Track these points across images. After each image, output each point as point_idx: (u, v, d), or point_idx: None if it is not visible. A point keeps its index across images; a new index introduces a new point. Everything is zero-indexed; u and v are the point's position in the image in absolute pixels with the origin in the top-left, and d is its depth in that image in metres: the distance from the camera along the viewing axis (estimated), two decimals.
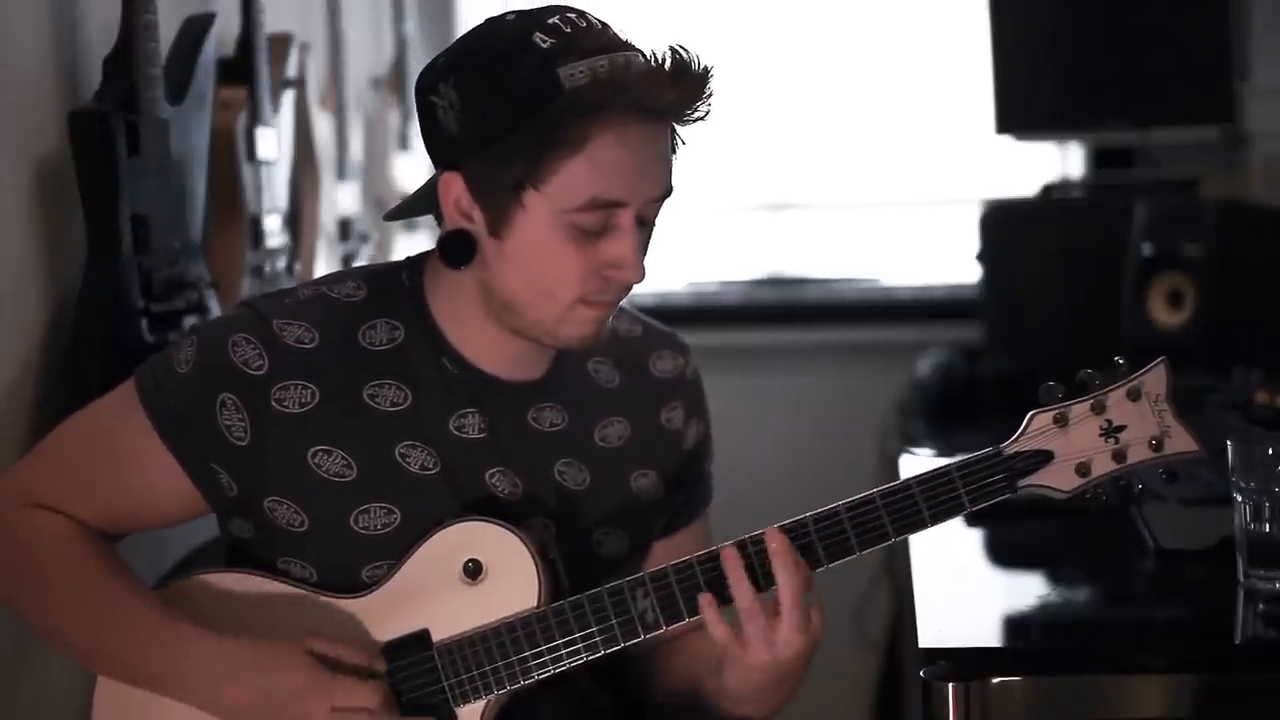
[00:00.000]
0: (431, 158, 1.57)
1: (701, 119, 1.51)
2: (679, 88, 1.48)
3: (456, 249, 1.55)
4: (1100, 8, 3.25)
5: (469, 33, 1.55)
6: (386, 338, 1.60)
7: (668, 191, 1.55)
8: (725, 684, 1.55)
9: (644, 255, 1.55)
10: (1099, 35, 3.23)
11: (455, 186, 1.54)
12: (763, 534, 1.51)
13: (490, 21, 1.54)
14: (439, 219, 1.60)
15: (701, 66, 1.49)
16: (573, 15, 1.51)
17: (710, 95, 1.50)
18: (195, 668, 1.52)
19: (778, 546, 1.50)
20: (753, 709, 1.58)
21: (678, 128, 1.54)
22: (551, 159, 1.48)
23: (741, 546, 1.52)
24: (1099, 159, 3.34)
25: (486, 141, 1.49)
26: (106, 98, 1.90)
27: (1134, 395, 1.52)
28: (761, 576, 1.51)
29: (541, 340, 1.58)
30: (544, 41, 1.48)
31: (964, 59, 3.60)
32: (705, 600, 1.50)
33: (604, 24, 1.52)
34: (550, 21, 1.49)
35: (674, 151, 1.55)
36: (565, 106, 1.46)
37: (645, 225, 1.54)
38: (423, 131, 1.57)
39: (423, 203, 1.60)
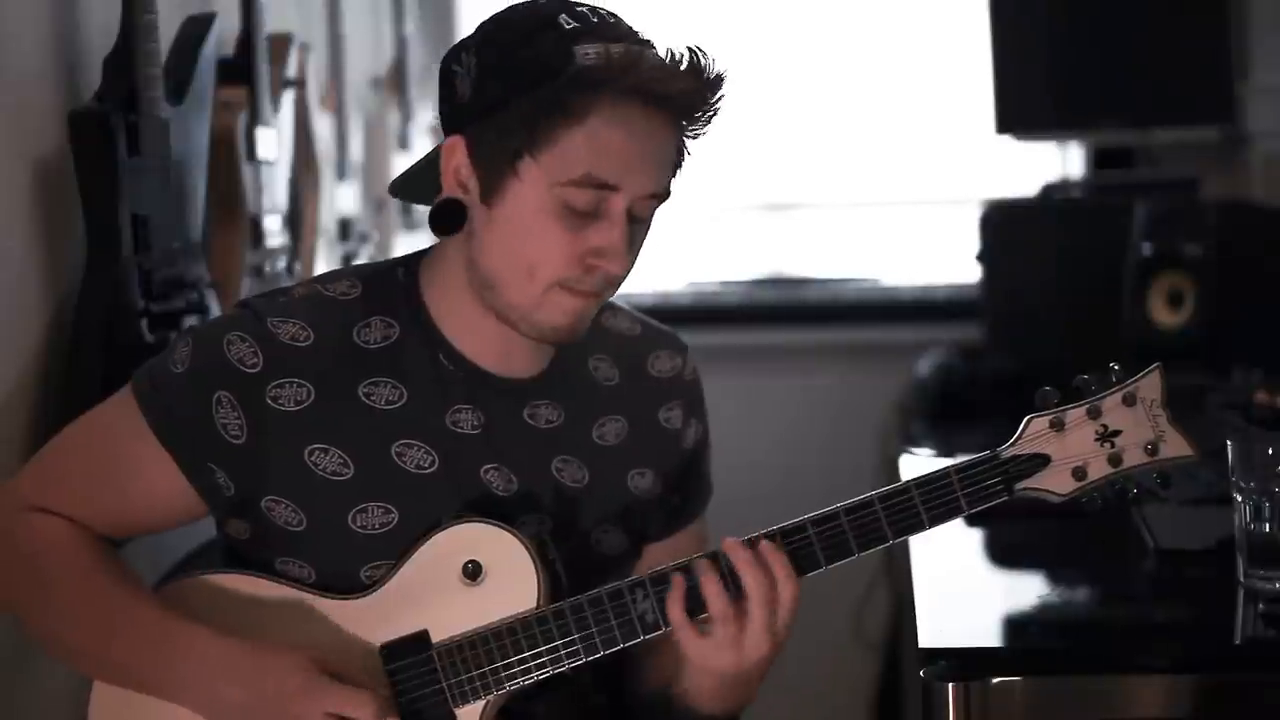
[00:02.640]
0: (444, 128, 1.59)
1: (706, 123, 1.53)
2: (687, 82, 1.50)
3: (446, 216, 1.56)
4: (1100, 8, 3.25)
5: (500, 10, 1.57)
6: (381, 335, 1.60)
7: (664, 192, 1.55)
8: (684, 684, 1.57)
9: (634, 252, 1.56)
10: (1099, 35, 3.23)
11: (458, 152, 1.55)
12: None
13: (524, 3, 1.56)
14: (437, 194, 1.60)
15: (716, 71, 1.51)
16: (604, 11, 1.54)
17: (719, 100, 1.52)
18: (195, 669, 1.52)
19: (745, 556, 1.50)
20: (717, 707, 1.58)
21: (686, 138, 1.55)
22: (550, 128, 1.49)
23: (714, 558, 1.52)
24: (1099, 159, 3.34)
25: (492, 107, 1.51)
26: (106, 98, 1.90)
27: (1129, 400, 1.53)
28: (731, 586, 1.51)
29: (519, 327, 1.57)
30: (568, 23, 1.51)
31: (964, 59, 3.60)
32: (674, 600, 1.50)
33: (631, 27, 1.55)
34: (579, 9, 1.53)
35: (680, 158, 1.56)
36: (572, 78, 1.48)
37: (638, 223, 1.55)
38: (440, 103, 1.59)
39: (426, 173, 1.61)
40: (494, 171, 1.53)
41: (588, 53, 1.48)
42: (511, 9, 1.56)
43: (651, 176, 1.53)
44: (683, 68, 1.50)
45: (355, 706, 1.48)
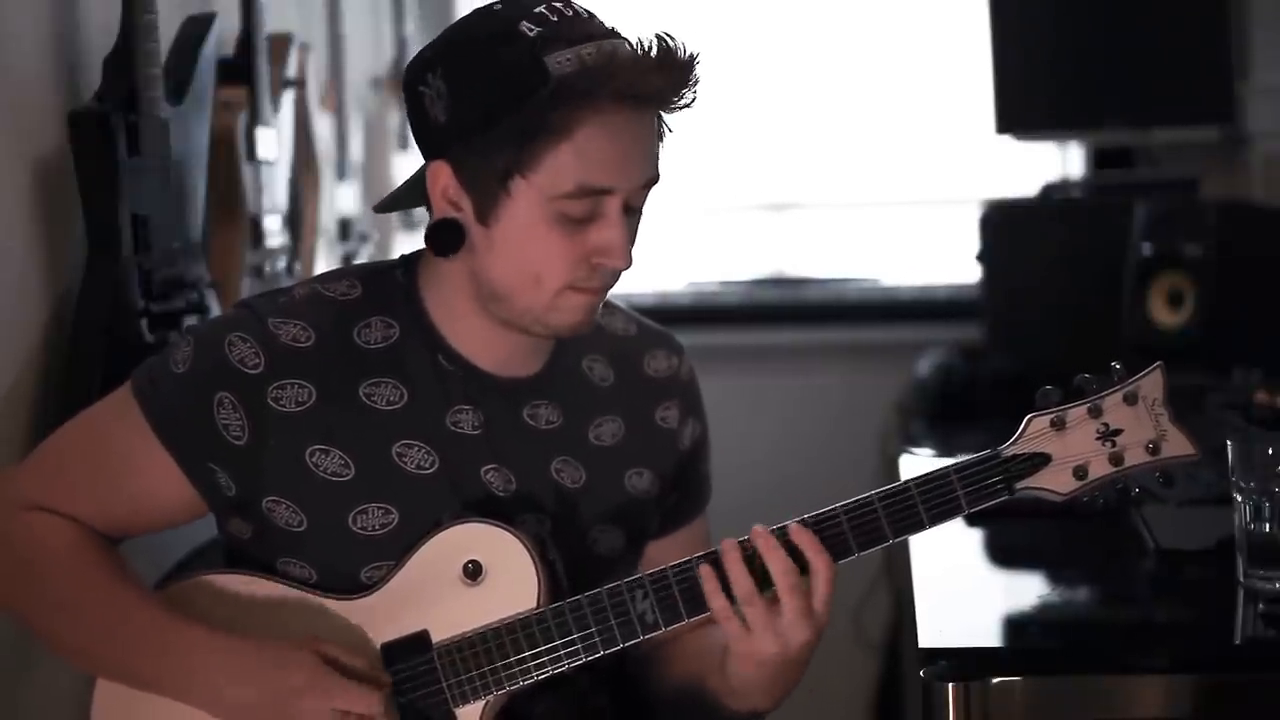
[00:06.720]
0: (420, 149, 1.58)
1: (688, 106, 1.51)
2: (665, 74, 1.48)
3: (444, 238, 1.56)
4: (1100, 8, 3.25)
5: (455, 23, 1.56)
6: (382, 336, 1.60)
7: (654, 178, 1.55)
8: (730, 678, 1.56)
9: (632, 242, 1.55)
10: (1099, 35, 3.23)
11: (443, 176, 1.54)
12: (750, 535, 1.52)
13: (477, 11, 1.55)
14: (429, 209, 1.60)
15: (688, 54, 1.49)
16: (559, 4, 1.51)
17: (696, 82, 1.50)
18: (200, 668, 1.52)
19: (763, 541, 1.50)
20: (758, 701, 1.58)
21: (665, 116, 1.54)
22: (538, 147, 1.48)
23: (741, 546, 1.52)
24: (1099, 159, 3.34)
25: (473, 130, 1.50)
26: (106, 98, 1.90)
27: (1131, 399, 1.53)
28: (760, 575, 1.51)
29: (531, 329, 1.58)
30: (531, 30, 1.48)
31: (964, 59, 3.60)
32: (705, 571, 1.50)
33: (590, 13, 1.53)
34: (537, 10, 1.50)
35: (661, 138, 1.55)
36: (552, 94, 1.46)
37: (633, 213, 1.55)
38: (411, 123, 1.58)
39: (412, 193, 1.61)
40: (485, 193, 1.52)
41: (559, 62, 1.46)
42: (469, 20, 1.54)
43: (642, 169, 1.53)
44: (655, 57, 1.47)
45: (363, 704, 1.49)
